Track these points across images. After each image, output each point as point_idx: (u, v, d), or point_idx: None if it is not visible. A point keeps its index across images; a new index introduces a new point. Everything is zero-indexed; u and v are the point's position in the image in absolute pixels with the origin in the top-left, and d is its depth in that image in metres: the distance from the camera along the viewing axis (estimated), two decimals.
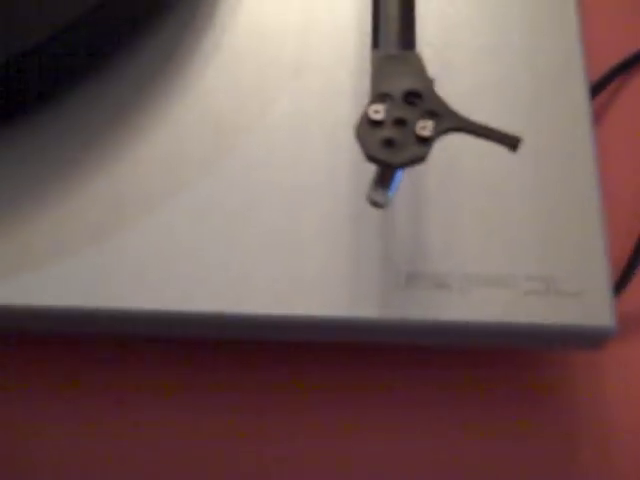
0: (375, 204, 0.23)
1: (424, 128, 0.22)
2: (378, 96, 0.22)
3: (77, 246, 0.25)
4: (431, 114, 0.22)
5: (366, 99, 0.28)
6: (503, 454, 0.28)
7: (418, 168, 0.27)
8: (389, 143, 0.21)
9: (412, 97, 0.22)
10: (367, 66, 0.28)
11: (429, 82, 0.22)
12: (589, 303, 0.25)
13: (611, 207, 0.32)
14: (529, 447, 0.28)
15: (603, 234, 0.26)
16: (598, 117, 0.34)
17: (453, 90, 0.28)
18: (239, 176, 0.27)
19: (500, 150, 0.27)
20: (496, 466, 0.28)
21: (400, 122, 0.22)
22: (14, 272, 0.25)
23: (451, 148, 0.27)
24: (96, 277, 0.25)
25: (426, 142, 0.21)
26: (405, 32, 0.23)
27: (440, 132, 0.22)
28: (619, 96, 0.34)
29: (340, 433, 0.28)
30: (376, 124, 0.22)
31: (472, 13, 0.30)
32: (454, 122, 0.22)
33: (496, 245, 0.26)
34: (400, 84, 0.22)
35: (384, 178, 0.23)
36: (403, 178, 0.26)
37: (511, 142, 0.22)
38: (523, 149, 0.27)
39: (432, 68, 0.28)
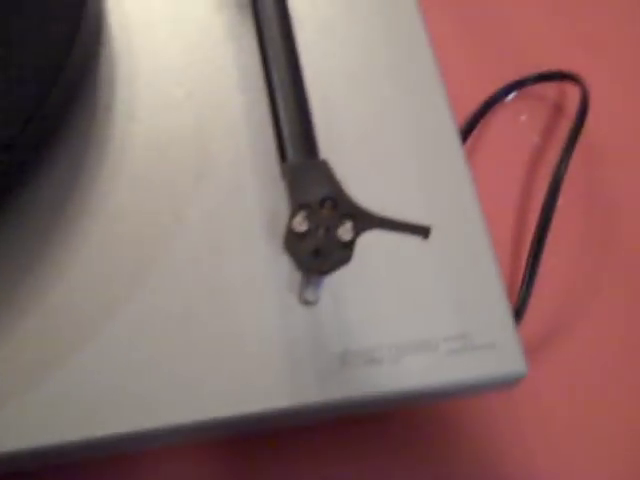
0: (306, 302, 0.25)
1: (345, 232, 0.24)
2: (298, 207, 0.24)
3: (18, 387, 0.26)
4: (348, 217, 0.24)
5: (269, 190, 0.30)
6: None
7: None
8: (316, 252, 0.24)
9: (328, 202, 0.25)
10: (265, 159, 0.30)
11: (340, 187, 0.25)
12: (502, 353, 0.28)
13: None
14: None
15: (502, 288, 0.29)
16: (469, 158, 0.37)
17: (342, 164, 0.31)
18: (167, 285, 0.28)
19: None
20: None
21: (322, 228, 0.24)
22: None
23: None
24: (44, 412, 0.26)
25: (348, 245, 0.24)
26: (308, 141, 0.26)
27: (359, 233, 0.24)
28: (486, 136, 0.38)
29: None
30: (301, 235, 0.24)
31: (350, 90, 0.32)
32: (370, 222, 0.24)
33: (414, 314, 0.28)
34: (315, 193, 0.25)
35: (313, 280, 0.25)
36: None
37: (422, 232, 0.24)
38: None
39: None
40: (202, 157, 0.30)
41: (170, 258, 0.28)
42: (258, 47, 0.28)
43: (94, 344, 0.27)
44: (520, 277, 0.34)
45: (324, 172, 0.25)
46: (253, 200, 0.29)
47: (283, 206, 0.27)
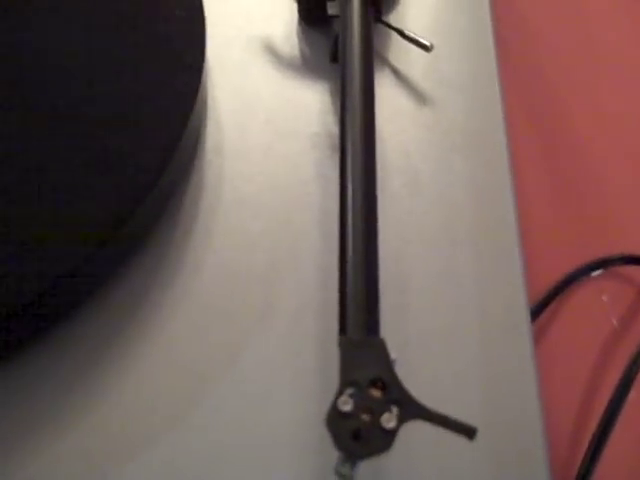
0: (341, 476, 0.24)
1: (389, 420, 0.23)
2: (345, 384, 0.24)
3: None
4: (395, 402, 0.24)
5: (330, 347, 0.29)
6: None
7: None
8: (357, 434, 0.23)
9: (378, 384, 0.24)
10: (331, 314, 0.30)
11: (392, 370, 0.24)
12: None
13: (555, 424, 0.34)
14: None
15: None
16: (543, 330, 0.36)
17: (405, 329, 0.30)
18: (207, 428, 0.28)
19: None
20: None
21: (367, 410, 0.23)
22: None
23: None
24: None
25: (390, 433, 0.23)
26: (369, 318, 0.25)
27: (403, 422, 0.23)
28: (563, 310, 0.37)
29: None
30: (345, 415, 0.23)
31: (427, 252, 0.32)
32: (416, 412, 0.23)
33: None
34: (366, 372, 0.24)
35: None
36: None
37: (468, 432, 0.23)
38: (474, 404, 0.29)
39: (388, 310, 0.30)
40: (268, 299, 0.30)
41: (216, 397, 0.28)
42: (339, 205, 0.28)
43: (120, 475, 0.27)
44: (576, 469, 0.32)
45: (379, 352, 0.25)
46: (310, 354, 0.29)
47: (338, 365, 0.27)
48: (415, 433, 0.28)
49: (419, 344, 0.30)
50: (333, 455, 0.26)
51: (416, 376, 0.26)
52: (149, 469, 0.27)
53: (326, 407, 0.28)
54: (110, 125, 0.30)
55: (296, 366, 0.29)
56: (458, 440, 0.28)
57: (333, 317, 0.29)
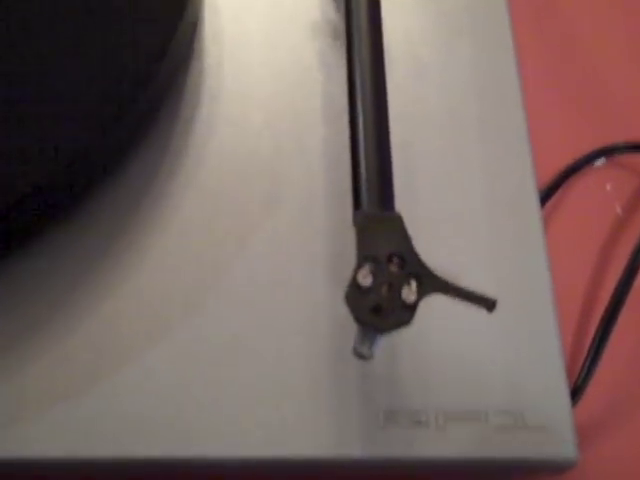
0: (360, 356, 0.24)
1: (409, 294, 0.23)
2: (364, 259, 0.23)
3: (64, 394, 0.26)
4: (414, 277, 0.23)
5: (340, 232, 0.29)
6: None
7: None
8: (377, 309, 0.23)
9: (396, 259, 0.24)
10: (339, 199, 0.29)
11: (410, 245, 0.24)
12: (553, 437, 0.26)
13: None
14: None
15: (563, 369, 0.27)
16: (547, 221, 0.36)
17: (415, 215, 0.30)
18: (221, 314, 0.27)
19: None
20: None
21: (387, 285, 0.23)
22: (7, 423, 0.25)
23: None
24: (85, 426, 0.25)
25: (410, 307, 0.23)
26: (385, 193, 0.25)
27: (422, 295, 0.23)
28: (566, 201, 0.37)
29: None
30: (364, 289, 0.23)
31: (434, 138, 0.31)
32: (436, 286, 0.23)
33: (468, 383, 0.27)
34: (384, 247, 0.24)
35: (369, 335, 0.24)
36: None
37: (487, 304, 0.23)
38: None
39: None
40: (274, 186, 0.29)
41: (227, 284, 0.28)
42: (347, 87, 0.27)
43: (137, 363, 0.26)
44: (584, 354, 0.32)
45: (397, 227, 0.24)
46: (319, 238, 0.29)
47: (349, 250, 0.26)
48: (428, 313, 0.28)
49: (426, 228, 0.29)
50: (344, 338, 0.25)
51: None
52: (165, 356, 0.26)
53: (337, 292, 0.27)
54: (109, 12, 0.28)
55: (306, 251, 0.28)
56: (471, 317, 0.28)
57: (340, 202, 0.29)
